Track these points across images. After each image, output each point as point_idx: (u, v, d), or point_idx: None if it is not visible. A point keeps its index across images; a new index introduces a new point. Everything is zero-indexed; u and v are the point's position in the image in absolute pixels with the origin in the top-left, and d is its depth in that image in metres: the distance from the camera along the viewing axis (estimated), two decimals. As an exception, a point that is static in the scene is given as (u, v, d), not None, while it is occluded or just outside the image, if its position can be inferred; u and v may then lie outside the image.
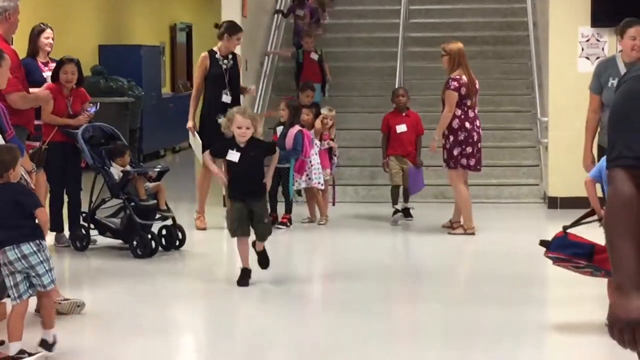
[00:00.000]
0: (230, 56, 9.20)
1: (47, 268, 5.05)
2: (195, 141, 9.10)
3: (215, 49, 9.21)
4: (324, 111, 9.58)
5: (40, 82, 7.46)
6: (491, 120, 10.44)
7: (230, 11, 10.84)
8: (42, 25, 8.03)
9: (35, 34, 7.70)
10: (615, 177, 2.29)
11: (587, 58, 10.04)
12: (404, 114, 8.93)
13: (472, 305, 6.43)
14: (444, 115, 8.17)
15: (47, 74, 7.75)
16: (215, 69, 9.16)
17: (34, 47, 7.69)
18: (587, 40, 9.98)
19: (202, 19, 20.35)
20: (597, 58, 9.86)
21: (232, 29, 9.24)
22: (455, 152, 8.28)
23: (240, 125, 6.39)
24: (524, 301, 6.35)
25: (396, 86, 10.91)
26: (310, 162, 8.92)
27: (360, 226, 9.30)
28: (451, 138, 8.24)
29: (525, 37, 12.19)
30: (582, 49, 9.99)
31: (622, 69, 6.57)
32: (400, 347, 5.61)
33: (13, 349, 4.89)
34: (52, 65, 7.98)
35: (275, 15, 13.42)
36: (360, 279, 7.23)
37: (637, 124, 2.28)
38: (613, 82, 6.53)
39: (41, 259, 5.03)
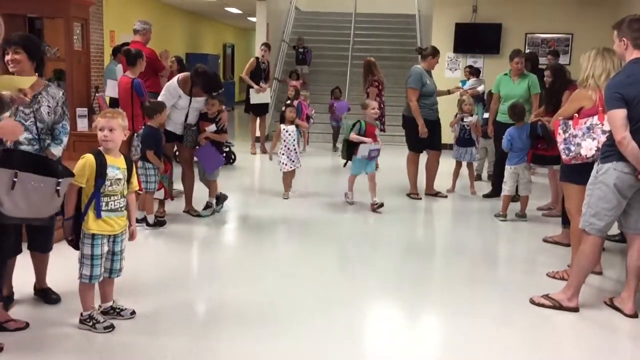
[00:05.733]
0: (267, 62, 9.82)
1: (143, 180, 5.21)
2: (265, 94, 9.62)
3: (259, 56, 9.80)
4: (303, 92, 10.00)
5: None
6: (397, 101, 10.83)
7: (259, 36, 11.64)
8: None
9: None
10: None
11: (450, 69, 11.07)
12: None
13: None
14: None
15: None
16: (258, 67, 9.71)
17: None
18: (450, 60, 11.07)
19: (241, 41, 21.43)
20: (455, 70, 10.96)
21: (268, 46, 9.81)
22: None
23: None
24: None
25: (347, 82, 11.87)
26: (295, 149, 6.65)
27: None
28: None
29: (415, 57, 11.38)
30: (447, 64, 11.00)
31: (425, 74, 6.66)
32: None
33: (149, 218, 5.34)
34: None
35: (282, 37, 13.60)
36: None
37: None
38: (428, 82, 6.64)
39: (141, 172, 5.22)
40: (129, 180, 3.32)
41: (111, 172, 3.20)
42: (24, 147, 3.31)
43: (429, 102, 6.66)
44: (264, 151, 9.92)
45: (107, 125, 3.18)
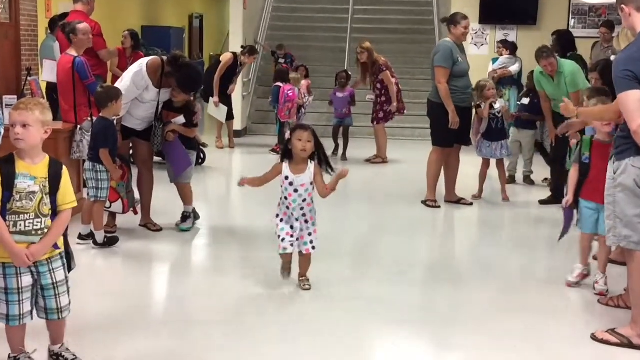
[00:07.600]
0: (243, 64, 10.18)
1: (93, 185, 5.15)
2: (220, 110, 10.01)
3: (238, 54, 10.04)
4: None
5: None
6: (407, 85, 11.04)
7: (235, 4, 11.58)
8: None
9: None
10: None
11: (475, 45, 11.28)
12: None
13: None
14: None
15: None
16: (234, 66, 9.96)
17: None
18: (475, 33, 11.21)
19: (211, 11, 21.32)
20: (482, 45, 11.23)
21: (253, 51, 10.28)
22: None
23: None
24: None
25: (345, 60, 11.88)
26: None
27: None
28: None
29: (431, 30, 12.96)
30: (472, 38, 11.13)
31: (456, 49, 6.66)
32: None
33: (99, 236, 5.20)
34: None
35: (265, 5, 13.76)
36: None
37: None
38: (460, 59, 6.65)
39: (90, 176, 5.17)
40: (54, 194, 3.10)
41: (21, 183, 3.01)
42: None
43: (461, 85, 6.62)
44: (232, 146, 10.56)
45: (19, 119, 2.98)
